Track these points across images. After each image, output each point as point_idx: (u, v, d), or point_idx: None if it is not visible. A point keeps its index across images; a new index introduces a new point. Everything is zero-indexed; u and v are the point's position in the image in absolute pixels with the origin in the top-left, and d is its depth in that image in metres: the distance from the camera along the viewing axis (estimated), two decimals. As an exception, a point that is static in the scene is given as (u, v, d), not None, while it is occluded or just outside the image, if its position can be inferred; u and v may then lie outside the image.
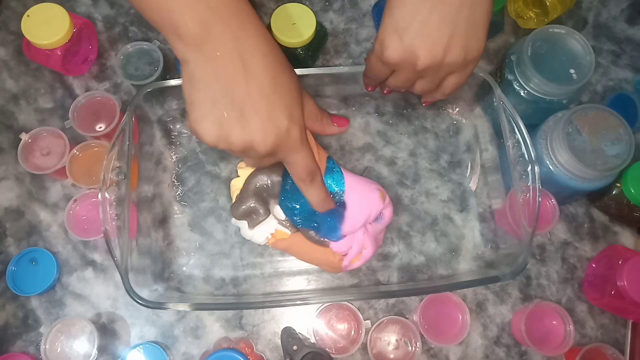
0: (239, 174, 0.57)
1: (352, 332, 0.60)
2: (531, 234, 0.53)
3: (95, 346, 0.58)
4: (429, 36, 0.46)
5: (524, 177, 0.54)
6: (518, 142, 0.55)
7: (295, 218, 0.55)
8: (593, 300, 0.63)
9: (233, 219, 0.57)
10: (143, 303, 0.52)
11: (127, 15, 0.73)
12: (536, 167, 0.54)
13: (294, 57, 0.66)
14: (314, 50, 0.67)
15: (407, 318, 0.61)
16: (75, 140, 0.64)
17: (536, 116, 0.61)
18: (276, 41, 0.47)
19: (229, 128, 0.43)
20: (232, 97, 0.43)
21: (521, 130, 0.55)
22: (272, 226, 0.56)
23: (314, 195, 0.51)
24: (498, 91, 0.57)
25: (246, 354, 0.57)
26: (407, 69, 0.48)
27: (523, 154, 0.54)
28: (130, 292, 0.52)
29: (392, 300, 0.63)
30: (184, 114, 0.67)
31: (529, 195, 0.54)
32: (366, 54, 0.72)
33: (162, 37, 0.71)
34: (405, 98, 0.68)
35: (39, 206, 0.65)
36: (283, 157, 0.47)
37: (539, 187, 0.53)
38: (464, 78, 0.51)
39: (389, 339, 0.61)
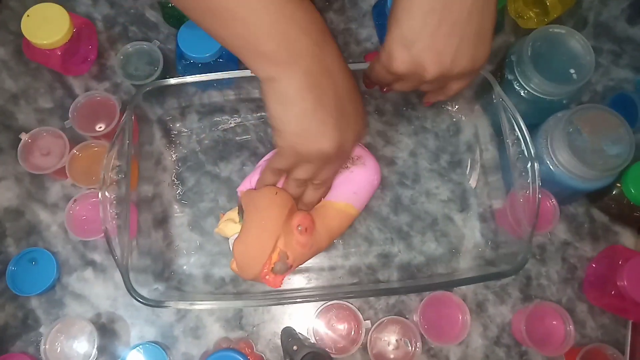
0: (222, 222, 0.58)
1: (352, 332, 0.60)
2: (531, 230, 0.53)
3: (95, 346, 0.58)
4: (438, 48, 0.45)
5: (523, 174, 0.54)
6: (518, 139, 0.55)
7: None
8: (593, 300, 0.63)
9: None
10: (144, 302, 0.52)
11: (126, 15, 0.73)
12: (536, 164, 0.54)
13: (294, 57, 0.66)
14: (314, 50, 0.67)
15: (407, 318, 0.61)
16: (75, 140, 0.64)
17: (536, 116, 0.61)
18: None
19: (308, 139, 0.45)
20: (327, 105, 0.44)
21: (521, 127, 0.55)
22: None
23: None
24: (497, 88, 0.57)
25: (246, 354, 0.57)
26: (413, 79, 0.48)
27: (523, 150, 0.55)
28: (131, 291, 0.52)
29: (392, 300, 0.63)
30: (183, 113, 0.67)
31: (529, 191, 0.54)
32: (365, 53, 0.72)
33: (162, 37, 0.71)
34: (405, 98, 0.68)
35: (39, 206, 0.65)
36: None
37: (538, 183, 0.53)
38: (468, 83, 0.51)
39: (389, 339, 0.61)
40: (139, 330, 0.61)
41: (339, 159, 0.51)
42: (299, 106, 0.44)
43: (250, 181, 0.58)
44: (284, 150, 0.47)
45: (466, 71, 0.47)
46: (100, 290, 0.63)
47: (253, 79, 0.61)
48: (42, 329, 0.61)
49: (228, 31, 0.43)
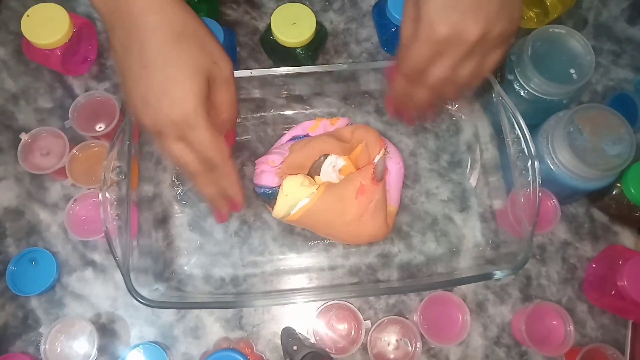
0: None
1: (352, 332, 0.60)
2: (532, 229, 0.53)
3: (95, 346, 0.58)
4: (481, 7, 0.45)
5: (524, 172, 0.54)
6: (518, 137, 0.55)
7: None
8: (593, 300, 0.63)
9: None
10: (146, 303, 0.52)
11: (127, 15, 0.73)
12: (536, 162, 0.54)
13: (293, 57, 0.66)
14: (313, 50, 0.67)
15: (407, 318, 0.61)
16: (75, 140, 0.64)
17: (536, 116, 0.61)
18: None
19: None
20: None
21: (521, 125, 0.55)
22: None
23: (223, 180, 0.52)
24: (497, 87, 0.57)
25: (246, 354, 0.57)
26: (455, 47, 0.47)
27: (523, 149, 0.54)
28: (132, 292, 0.52)
29: (392, 301, 0.63)
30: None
31: (529, 190, 0.54)
32: (365, 52, 0.72)
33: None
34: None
35: (39, 206, 0.65)
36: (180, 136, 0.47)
37: (539, 182, 0.53)
38: (503, 53, 0.49)
39: (389, 339, 0.61)
40: (138, 330, 0.61)
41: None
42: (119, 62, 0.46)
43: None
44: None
45: (505, 32, 0.47)
46: (100, 290, 0.63)
47: (252, 79, 0.61)
48: (42, 329, 0.61)
49: None
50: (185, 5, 0.45)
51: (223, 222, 0.53)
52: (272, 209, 0.59)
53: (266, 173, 0.59)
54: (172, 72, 0.44)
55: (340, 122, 0.64)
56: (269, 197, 0.59)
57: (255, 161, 0.62)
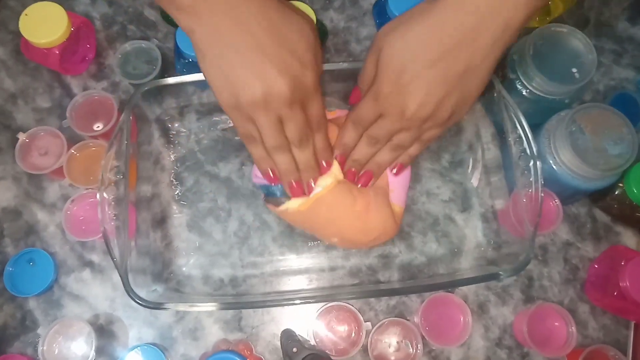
0: None
1: (353, 334, 0.60)
2: (534, 229, 0.53)
3: (93, 348, 0.57)
4: (431, 88, 0.47)
5: (526, 172, 0.54)
6: (520, 137, 0.55)
7: None
8: (595, 301, 0.63)
9: None
10: (143, 304, 0.52)
11: (125, 14, 0.72)
12: (538, 162, 0.53)
13: (293, 56, 0.66)
14: (314, 49, 0.67)
15: (408, 320, 0.61)
16: (73, 139, 0.64)
17: (538, 115, 0.60)
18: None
19: (240, 87, 0.45)
20: (233, 58, 0.45)
21: (523, 125, 0.54)
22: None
23: (320, 142, 0.53)
24: (499, 86, 0.57)
25: (245, 356, 0.57)
26: (394, 117, 0.49)
27: (525, 149, 0.54)
28: (130, 292, 0.51)
29: (392, 302, 0.62)
30: (182, 112, 0.67)
31: (531, 190, 0.53)
32: (365, 51, 0.71)
33: (161, 36, 0.71)
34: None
35: (37, 206, 0.65)
36: (303, 102, 0.48)
37: (541, 182, 0.53)
38: (442, 131, 0.52)
39: (390, 341, 0.60)
40: (137, 331, 0.61)
41: (309, 99, 0.49)
42: (212, 60, 0.45)
43: None
44: (224, 107, 0.48)
45: (452, 116, 0.49)
46: (98, 291, 0.62)
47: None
48: (40, 330, 0.61)
49: None
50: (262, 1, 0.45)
51: (311, 191, 0.54)
52: (273, 207, 0.58)
53: None
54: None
55: (339, 113, 0.63)
56: (269, 192, 0.57)
57: None
